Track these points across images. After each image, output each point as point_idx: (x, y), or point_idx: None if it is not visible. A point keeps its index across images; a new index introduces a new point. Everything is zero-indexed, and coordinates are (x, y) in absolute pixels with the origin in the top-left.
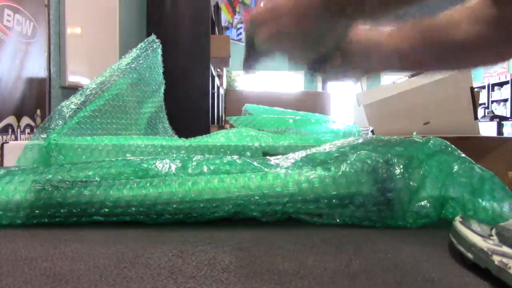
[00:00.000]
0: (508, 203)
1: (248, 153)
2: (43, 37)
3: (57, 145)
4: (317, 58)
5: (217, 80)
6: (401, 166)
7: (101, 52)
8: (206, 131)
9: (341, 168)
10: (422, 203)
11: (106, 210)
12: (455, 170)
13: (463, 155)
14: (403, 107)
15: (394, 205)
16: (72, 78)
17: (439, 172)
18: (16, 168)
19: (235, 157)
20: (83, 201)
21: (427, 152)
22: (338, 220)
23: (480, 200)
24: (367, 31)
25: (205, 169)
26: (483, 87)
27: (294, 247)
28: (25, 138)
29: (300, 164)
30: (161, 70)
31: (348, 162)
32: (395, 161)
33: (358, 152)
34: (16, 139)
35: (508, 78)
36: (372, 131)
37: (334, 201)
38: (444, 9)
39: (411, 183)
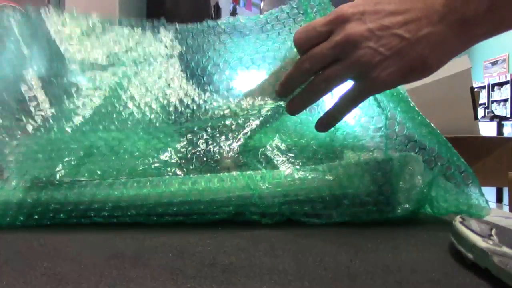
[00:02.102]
0: None
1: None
2: None
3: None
4: None
5: None
6: (394, 159)
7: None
8: None
9: (342, 167)
10: (410, 182)
11: (106, 211)
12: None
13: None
14: None
15: (389, 197)
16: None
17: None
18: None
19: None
20: (83, 201)
21: None
22: (336, 217)
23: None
24: None
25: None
26: (483, 87)
27: (294, 247)
28: None
29: (300, 164)
30: None
31: (348, 161)
32: (393, 158)
33: (358, 153)
34: None
35: (508, 78)
36: None
37: (332, 201)
38: None
39: (397, 167)
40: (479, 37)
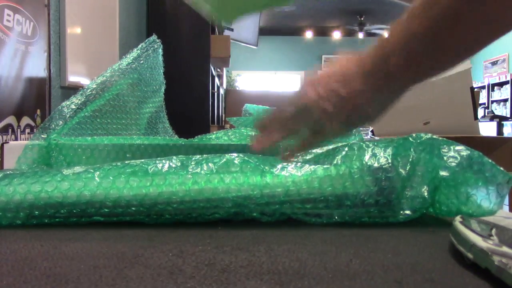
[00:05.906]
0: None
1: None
2: (43, 37)
3: (57, 145)
4: None
5: (217, 80)
6: (399, 165)
7: (101, 52)
8: (206, 131)
9: (341, 168)
10: (416, 190)
11: (106, 210)
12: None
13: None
14: (403, 107)
15: (392, 201)
16: (72, 78)
17: (428, 157)
18: (17, 172)
19: (235, 155)
20: (83, 201)
21: (417, 142)
22: (336, 218)
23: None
24: None
25: (204, 168)
26: (483, 87)
27: (294, 247)
28: (25, 138)
29: (299, 164)
30: (161, 70)
31: (348, 162)
32: (392, 159)
33: (357, 153)
34: (16, 139)
35: (508, 78)
36: (372, 131)
37: (333, 201)
38: None
39: (404, 174)
40: (404, 86)
